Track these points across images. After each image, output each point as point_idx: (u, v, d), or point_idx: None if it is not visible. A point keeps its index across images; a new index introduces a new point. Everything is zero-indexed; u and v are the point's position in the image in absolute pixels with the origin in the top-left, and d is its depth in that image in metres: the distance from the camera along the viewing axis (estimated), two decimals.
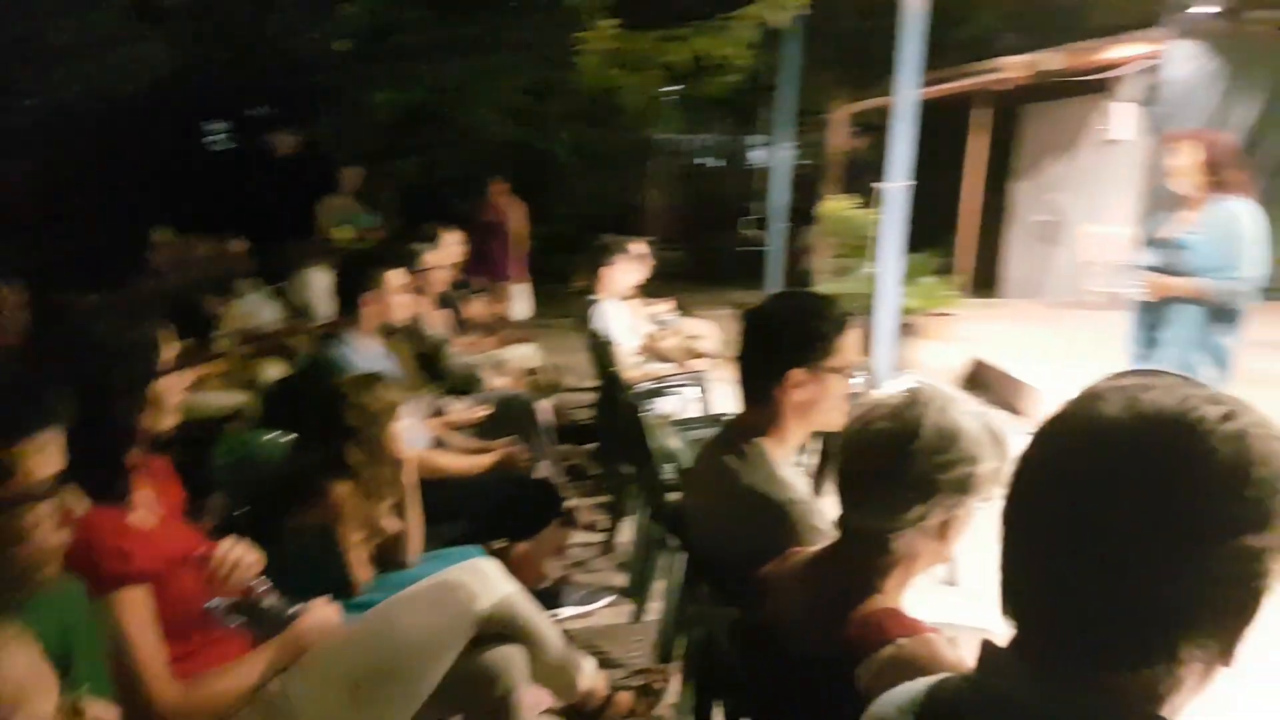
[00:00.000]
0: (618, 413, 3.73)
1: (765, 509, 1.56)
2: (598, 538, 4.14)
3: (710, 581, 1.69)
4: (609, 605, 3.54)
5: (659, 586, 3.26)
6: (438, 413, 4.00)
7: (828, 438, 1.79)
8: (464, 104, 9.96)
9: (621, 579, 3.74)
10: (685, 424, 3.72)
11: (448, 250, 5.45)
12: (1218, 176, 3.69)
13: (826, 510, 1.60)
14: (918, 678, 0.95)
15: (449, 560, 2.43)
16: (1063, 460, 0.81)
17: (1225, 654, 0.77)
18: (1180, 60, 8.95)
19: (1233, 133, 9.08)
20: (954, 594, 3.55)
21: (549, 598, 3.23)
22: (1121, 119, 9.41)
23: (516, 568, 2.65)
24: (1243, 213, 3.63)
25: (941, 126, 10.85)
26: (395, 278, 3.50)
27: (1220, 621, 0.76)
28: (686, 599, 2.33)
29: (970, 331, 7.51)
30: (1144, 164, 9.22)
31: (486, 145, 9.98)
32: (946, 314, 6.86)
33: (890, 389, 1.34)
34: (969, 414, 1.27)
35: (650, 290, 5.52)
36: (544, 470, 4.02)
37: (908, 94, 4.87)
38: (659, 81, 8.30)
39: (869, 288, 5.91)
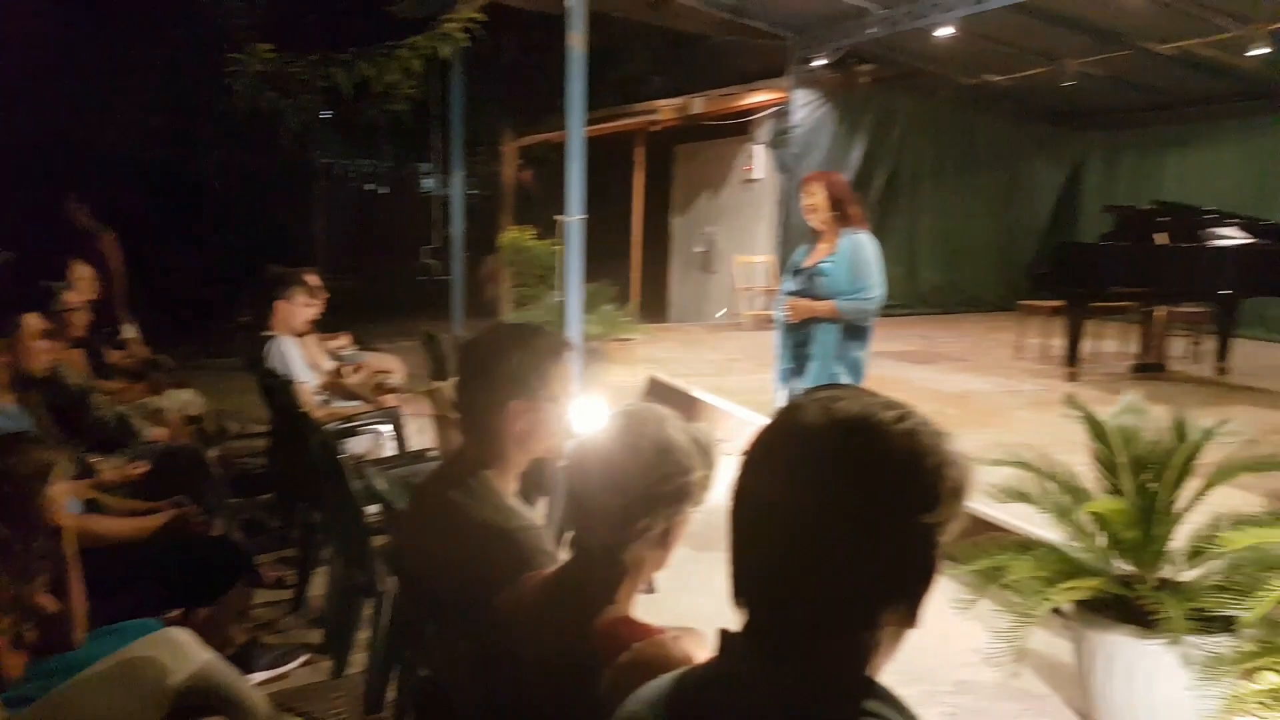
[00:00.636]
0: (304, 456, 3.51)
1: (496, 539, 1.56)
2: (285, 594, 3.87)
3: (437, 620, 1.66)
4: (304, 664, 3.32)
5: (362, 637, 3.14)
6: (86, 472, 3.54)
7: (534, 463, 1.82)
8: (93, 126, 8.92)
9: (315, 635, 3.53)
10: (384, 463, 3.60)
11: (83, 287, 4.86)
12: (842, 211, 4.25)
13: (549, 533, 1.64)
14: (656, 676, 1.02)
15: (124, 635, 2.18)
16: (773, 461, 0.93)
17: (911, 616, 0.91)
18: (802, 107, 10.18)
19: (847, 171, 10.52)
20: (653, 600, 3.79)
21: (237, 663, 2.97)
22: (759, 159, 10.51)
23: (201, 635, 2.42)
24: (865, 242, 4.23)
25: (608, 163, 11.52)
26: (33, 322, 3.07)
27: (907, 588, 0.90)
28: (400, 643, 2.26)
29: (645, 354, 7.98)
30: (777, 200, 10.39)
31: (126, 170, 8.99)
32: (626, 339, 7.24)
33: (600, 412, 1.41)
34: (680, 429, 1.38)
35: (324, 324, 5.28)
36: (219, 527, 3.69)
37: (576, 132, 5.09)
38: (321, 106, 7.97)
39: (554, 316, 6.08)
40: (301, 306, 4.48)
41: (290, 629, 3.64)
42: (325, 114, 9.34)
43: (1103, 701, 2.89)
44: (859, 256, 4.18)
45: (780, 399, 4.61)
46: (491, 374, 1.70)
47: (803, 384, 4.41)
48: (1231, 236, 6.71)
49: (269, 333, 4.41)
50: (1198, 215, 7.17)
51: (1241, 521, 2.69)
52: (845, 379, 4.35)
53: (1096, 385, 6.72)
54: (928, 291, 11.37)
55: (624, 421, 1.37)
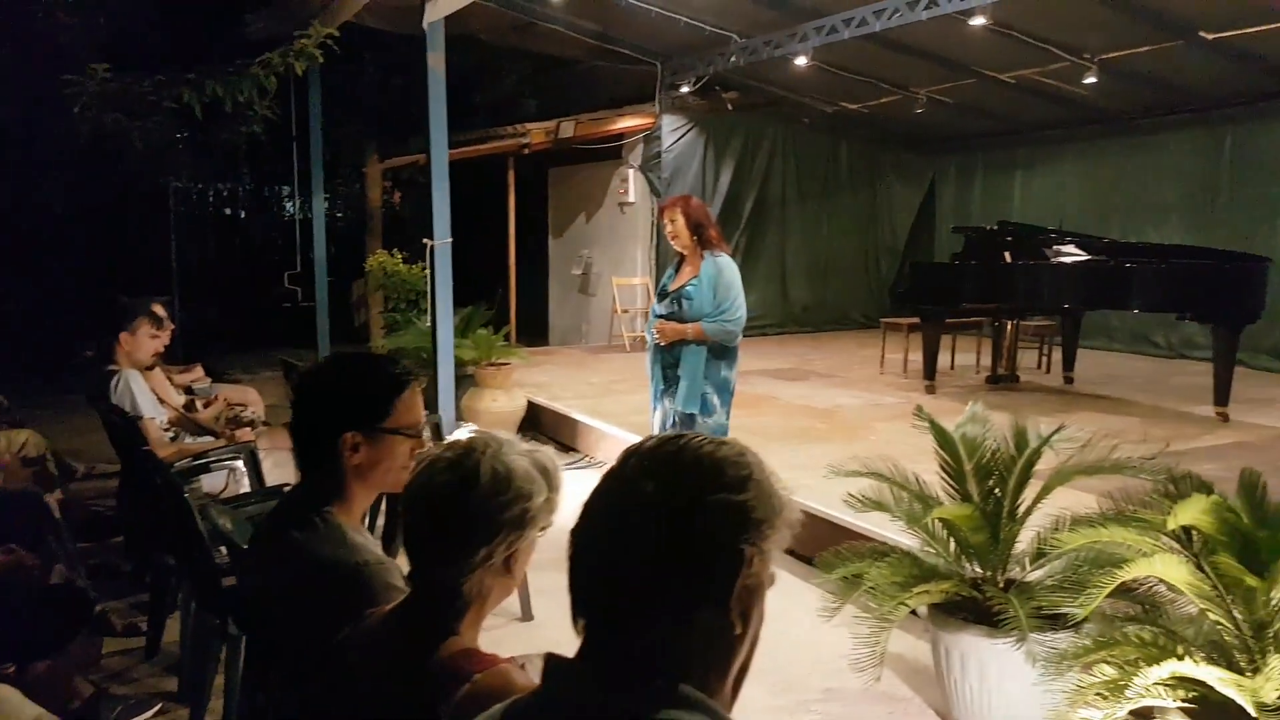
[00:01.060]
0: (153, 497, 3.34)
1: (339, 576, 1.51)
2: (138, 642, 3.67)
3: (281, 663, 1.59)
4: (158, 714, 3.15)
5: (219, 683, 3.00)
6: None
7: (393, 498, 1.77)
8: None
9: (171, 683, 3.37)
10: (237, 501, 3.45)
11: None
12: (702, 235, 4.36)
13: (403, 568, 1.60)
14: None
15: None
16: (603, 482, 0.98)
17: (724, 616, 0.92)
18: (671, 132, 10.39)
19: (717, 195, 10.77)
20: (532, 628, 3.78)
21: (83, 717, 2.80)
22: (633, 183, 10.66)
23: (39, 690, 2.27)
24: (725, 265, 4.34)
25: (485, 185, 11.44)
26: None
27: (712, 582, 0.91)
28: (253, 689, 2.16)
29: (525, 378, 7.95)
30: (651, 222, 10.54)
31: None
32: (502, 363, 7.18)
33: (452, 439, 1.39)
34: (520, 454, 1.36)
35: (182, 355, 5.03)
36: (60, 574, 3.47)
37: (440, 154, 5.04)
38: (174, 128, 7.62)
39: (426, 341, 5.97)
40: (147, 338, 4.25)
41: (144, 678, 3.48)
42: (181, 136, 8.94)
43: (959, 700, 3.01)
44: (720, 279, 4.29)
45: (655, 420, 4.66)
46: (322, 406, 1.65)
47: (674, 404, 4.48)
48: (1071, 254, 7.17)
49: (113, 366, 4.18)
50: (1040, 234, 7.64)
51: (1077, 522, 2.85)
52: (714, 398, 4.44)
53: (953, 397, 7.06)
54: (799, 311, 11.74)
55: (462, 451, 1.34)
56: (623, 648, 0.91)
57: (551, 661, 0.95)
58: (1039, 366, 8.61)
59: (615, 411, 6.72)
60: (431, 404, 5.37)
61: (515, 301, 10.84)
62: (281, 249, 12.40)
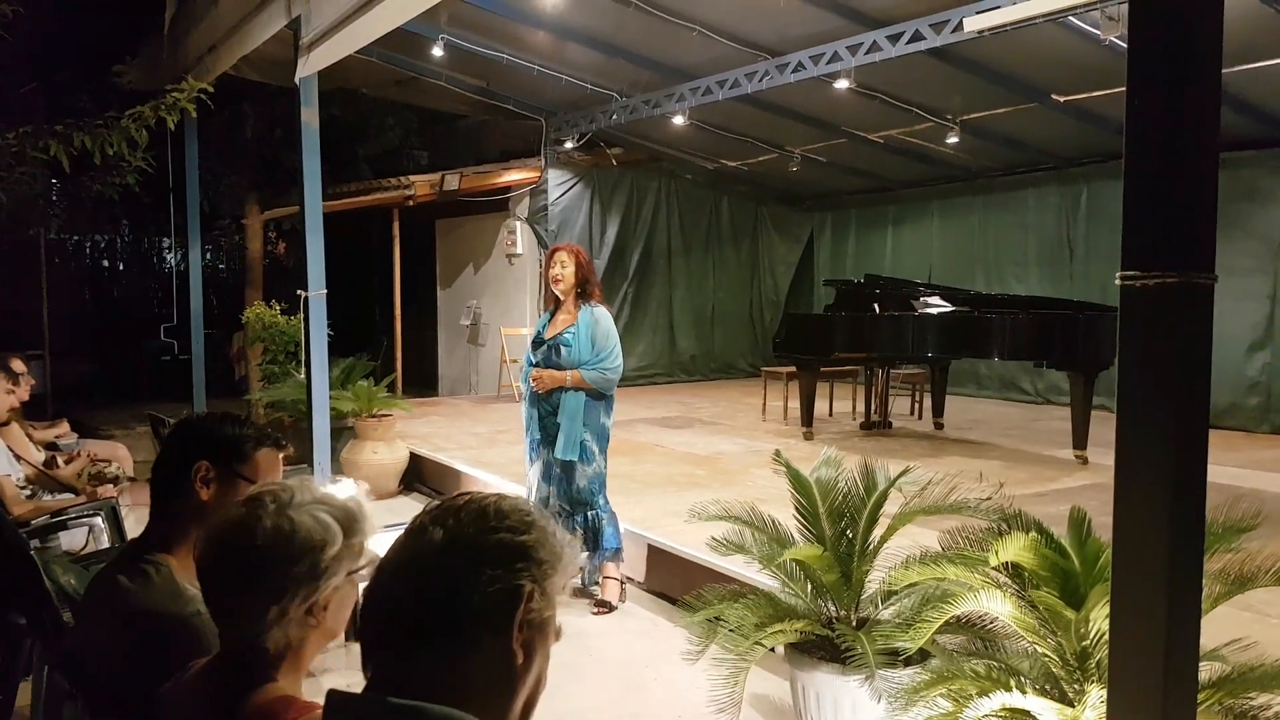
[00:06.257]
0: (3, 557, 3.22)
1: (167, 625, 1.50)
2: None
3: (110, 717, 1.57)
4: None
5: None
6: None
7: None
8: None
9: None
10: (92, 558, 3.35)
11: None
12: (585, 288, 4.47)
13: None
14: None
15: None
16: (397, 540, 1.07)
17: (518, 651, 1.01)
18: (557, 185, 10.59)
19: (604, 247, 10.97)
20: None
21: None
22: (520, 234, 10.79)
23: None
24: (603, 315, 4.47)
25: (370, 236, 11.37)
26: None
27: (486, 612, 1.00)
28: None
29: (410, 429, 7.88)
30: (539, 274, 10.66)
31: None
32: (385, 415, 7.11)
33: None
34: (313, 503, 1.33)
35: (51, 410, 4.85)
36: None
37: (313, 206, 5.05)
38: (42, 179, 7.38)
39: (303, 393, 5.89)
40: (2, 393, 4.13)
41: None
42: (54, 184, 8.65)
43: None
44: (599, 328, 4.41)
45: (533, 473, 4.65)
46: (185, 438, 1.67)
47: (553, 452, 4.53)
48: (936, 305, 7.57)
49: None
50: (906, 287, 8.04)
51: (919, 561, 3.01)
52: (593, 445, 4.51)
53: (828, 442, 7.24)
54: (686, 360, 11.99)
55: (244, 509, 1.32)
56: (403, 677, 0.98)
57: (333, 697, 1.00)
58: (911, 413, 8.99)
59: (498, 461, 6.73)
60: (306, 457, 5.29)
61: (403, 352, 10.75)
62: (159, 301, 12.05)
